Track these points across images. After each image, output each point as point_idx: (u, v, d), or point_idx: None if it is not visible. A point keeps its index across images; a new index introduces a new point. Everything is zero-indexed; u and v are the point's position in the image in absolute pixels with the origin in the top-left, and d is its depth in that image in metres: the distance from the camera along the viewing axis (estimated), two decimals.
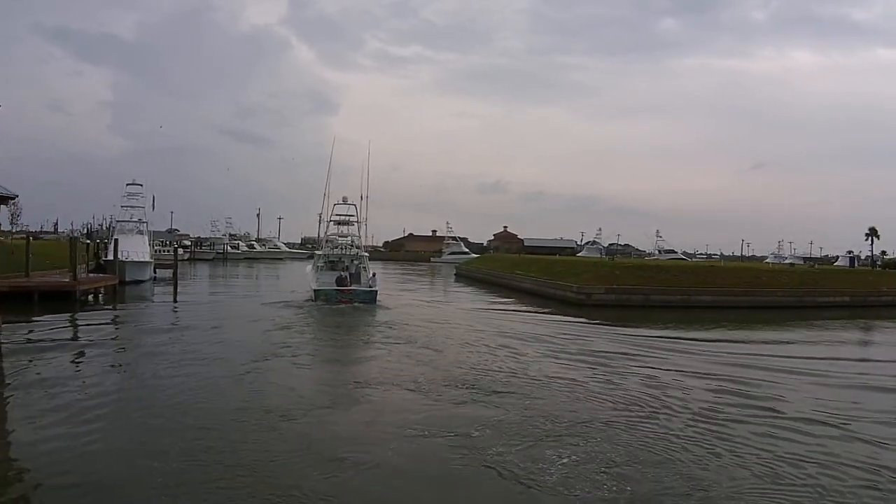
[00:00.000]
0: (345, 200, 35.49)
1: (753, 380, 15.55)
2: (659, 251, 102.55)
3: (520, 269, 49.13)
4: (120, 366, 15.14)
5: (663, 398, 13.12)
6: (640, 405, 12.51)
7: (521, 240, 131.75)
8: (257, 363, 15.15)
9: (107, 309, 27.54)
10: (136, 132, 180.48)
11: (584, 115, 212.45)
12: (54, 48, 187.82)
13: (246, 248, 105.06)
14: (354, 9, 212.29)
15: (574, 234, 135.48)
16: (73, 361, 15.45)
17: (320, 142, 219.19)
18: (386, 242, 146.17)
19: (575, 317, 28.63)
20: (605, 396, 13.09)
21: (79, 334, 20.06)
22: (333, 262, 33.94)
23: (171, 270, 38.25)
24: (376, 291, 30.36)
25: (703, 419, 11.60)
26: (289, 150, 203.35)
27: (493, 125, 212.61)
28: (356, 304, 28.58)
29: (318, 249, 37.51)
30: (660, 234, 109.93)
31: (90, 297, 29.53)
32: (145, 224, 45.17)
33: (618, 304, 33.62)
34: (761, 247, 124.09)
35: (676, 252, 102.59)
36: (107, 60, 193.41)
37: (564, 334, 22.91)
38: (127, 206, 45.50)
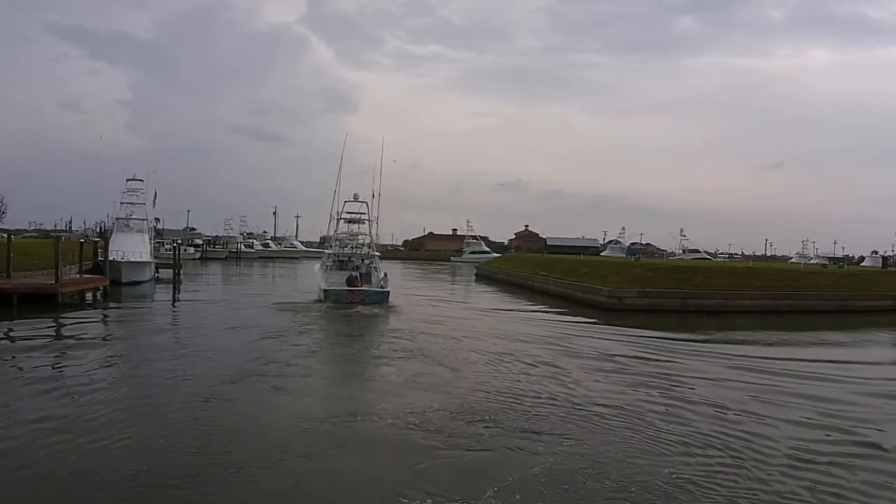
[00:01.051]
0: (356, 197, 33.38)
1: (832, 399, 13.22)
2: (683, 251, 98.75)
3: (543, 270, 46.35)
4: (51, 383, 12.37)
5: (741, 434, 10.32)
6: (713, 444, 9.73)
7: (543, 239, 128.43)
8: (227, 385, 12.30)
9: (92, 312, 25.26)
10: (152, 130, 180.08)
11: (600, 114, 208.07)
12: (69, 47, 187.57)
13: (260, 247, 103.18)
14: (371, 7, 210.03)
15: (592, 232, 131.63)
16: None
17: (338, 140, 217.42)
18: (406, 241, 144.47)
19: (608, 323, 25.84)
20: (666, 434, 10.13)
21: (31, 341, 17.35)
22: (343, 261, 32.46)
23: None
24: (388, 292, 28.81)
25: (798, 464, 9.05)
26: (306, 149, 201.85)
27: (510, 124, 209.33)
28: (367, 304, 27.07)
29: (327, 248, 35.32)
30: (684, 234, 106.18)
31: (82, 298, 27.52)
32: (145, 221, 42.93)
33: (651, 309, 30.68)
34: (782, 246, 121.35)
35: (700, 251, 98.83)
36: (122, 59, 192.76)
37: (601, 342, 20.49)
38: (126, 203, 43.08)
